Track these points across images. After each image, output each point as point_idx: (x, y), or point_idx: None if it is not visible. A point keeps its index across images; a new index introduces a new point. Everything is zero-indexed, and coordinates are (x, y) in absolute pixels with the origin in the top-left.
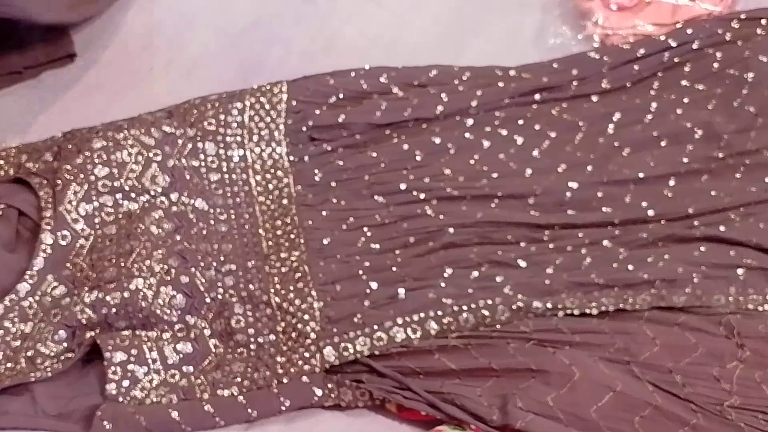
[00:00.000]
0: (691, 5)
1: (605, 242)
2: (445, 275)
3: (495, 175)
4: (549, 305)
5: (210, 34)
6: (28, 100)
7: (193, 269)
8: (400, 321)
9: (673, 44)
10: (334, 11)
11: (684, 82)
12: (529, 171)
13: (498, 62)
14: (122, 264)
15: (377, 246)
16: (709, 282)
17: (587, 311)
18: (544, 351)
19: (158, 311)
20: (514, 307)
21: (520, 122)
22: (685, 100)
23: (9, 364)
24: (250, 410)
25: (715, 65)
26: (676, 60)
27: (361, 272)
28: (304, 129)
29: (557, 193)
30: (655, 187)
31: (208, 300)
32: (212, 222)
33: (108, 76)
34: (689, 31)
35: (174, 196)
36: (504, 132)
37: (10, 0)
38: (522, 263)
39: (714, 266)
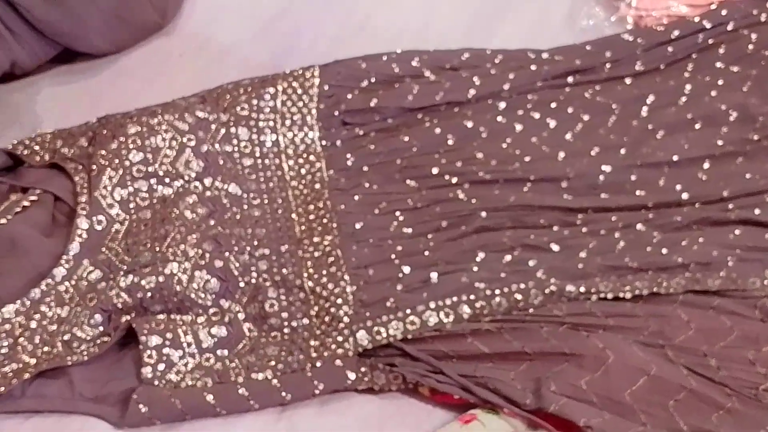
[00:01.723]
0: None
1: (639, 226)
2: (478, 259)
3: (527, 158)
4: (582, 289)
5: (241, 20)
6: (62, 86)
7: (227, 254)
8: (432, 305)
9: (708, 26)
10: None
11: (718, 64)
12: (562, 154)
13: (529, 45)
14: (157, 248)
15: (410, 230)
16: (744, 265)
17: (621, 295)
18: (578, 335)
19: (193, 295)
20: (547, 291)
21: (553, 105)
22: (720, 82)
23: (46, 348)
24: (284, 393)
25: (750, 46)
26: (710, 41)
27: (393, 256)
28: (337, 113)
29: (590, 176)
30: (689, 170)
31: (242, 284)
32: (246, 207)
33: (139, 62)
34: (723, 12)
35: (208, 181)
36: (536, 115)
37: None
38: (555, 247)
39: (749, 249)
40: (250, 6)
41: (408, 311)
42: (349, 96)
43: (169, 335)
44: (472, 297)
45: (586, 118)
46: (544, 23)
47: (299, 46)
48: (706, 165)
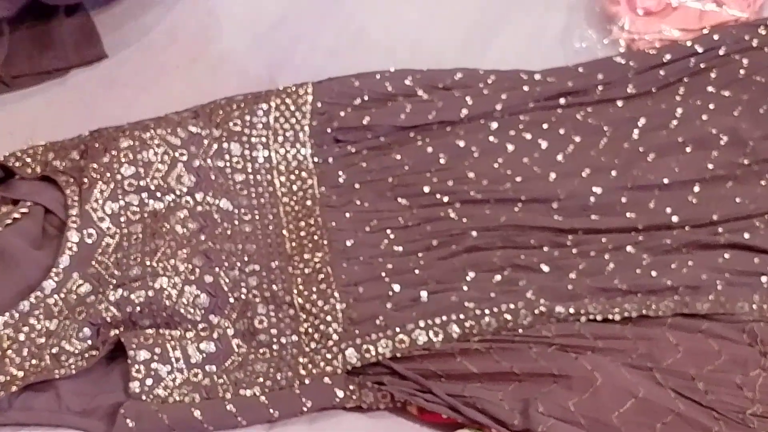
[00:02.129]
0: (718, 11)
1: (629, 248)
2: (468, 279)
3: (519, 178)
4: (572, 310)
5: (236, 32)
6: (55, 98)
7: (217, 269)
8: (422, 324)
9: (700, 50)
10: (359, 9)
11: (710, 88)
12: (553, 175)
13: (523, 63)
14: (147, 263)
15: (400, 248)
16: (732, 289)
17: (610, 317)
18: (567, 356)
19: (182, 310)
20: (536, 311)
21: (545, 126)
22: (711, 106)
23: (34, 361)
24: (272, 410)
25: (742, 71)
26: (702, 66)
27: (383, 274)
28: (329, 130)
29: (581, 197)
30: (679, 193)
31: (231, 300)
32: (237, 222)
33: (134, 74)
34: (716, 36)
35: (199, 196)
36: (528, 136)
37: None
38: (545, 268)
39: (738, 273)
40: (245, 18)
41: (397, 329)
42: (342, 113)
43: (157, 350)
44: (461, 316)
45: (577, 139)
46: (537, 44)
47: (294, 58)
48: (696, 188)
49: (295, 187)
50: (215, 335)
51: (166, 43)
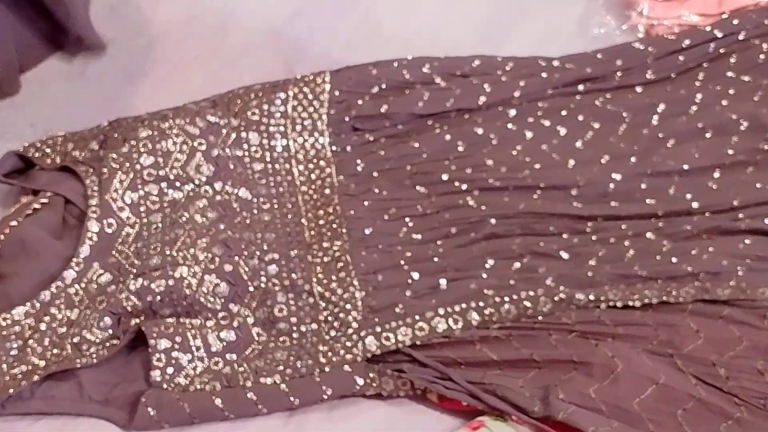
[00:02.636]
0: None
1: (649, 234)
2: (487, 266)
3: (537, 166)
4: (591, 297)
5: (254, 23)
6: (74, 89)
7: (236, 258)
8: (441, 311)
9: (719, 35)
10: (376, 1)
11: (729, 73)
12: (572, 162)
13: (541, 51)
14: (167, 252)
15: (419, 236)
16: (753, 275)
17: (630, 303)
18: (587, 343)
19: (202, 299)
20: (556, 298)
21: (564, 113)
22: (731, 92)
23: (55, 350)
24: (292, 398)
25: (761, 56)
26: (721, 51)
27: (402, 262)
28: (347, 119)
29: (600, 184)
30: (699, 179)
31: (251, 288)
32: (256, 211)
33: (152, 65)
34: (735, 21)
35: (218, 186)
36: (547, 123)
37: None
38: (564, 255)
39: (759, 259)
40: (263, 10)
41: (417, 317)
42: (360, 102)
43: (178, 339)
44: (481, 304)
45: (596, 126)
46: (555, 31)
47: (311, 50)
48: (716, 174)
49: (313, 176)
50: (235, 324)
51: (184, 35)
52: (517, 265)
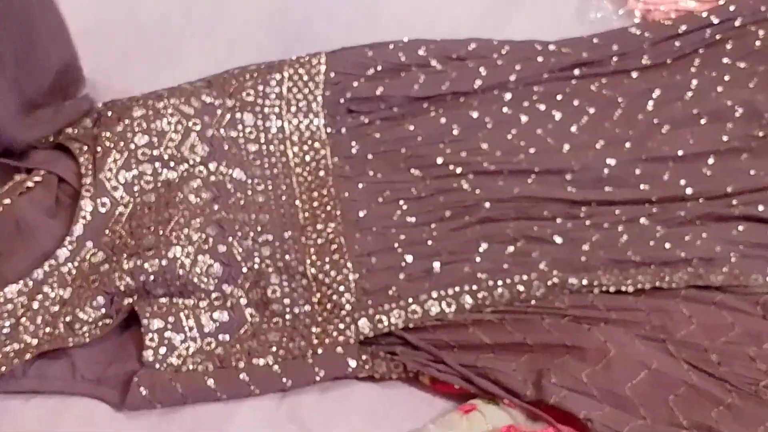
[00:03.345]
0: None
1: (642, 220)
2: (481, 250)
3: (532, 150)
4: (585, 282)
5: (252, 4)
6: None
7: (230, 239)
8: (434, 294)
9: (715, 21)
10: None
11: (725, 60)
12: (566, 147)
13: (539, 36)
14: (161, 232)
15: (413, 219)
16: (746, 261)
17: (623, 288)
18: (580, 327)
19: (195, 279)
20: (549, 283)
21: (559, 97)
22: (726, 78)
23: (48, 329)
24: (284, 379)
25: (758, 43)
26: (717, 37)
27: (396, 245)
28: (342, 101)
29: (595, 169)
30: (693, 165)
31: (244, 269)
32: (250, 192)
33: (149, 46)
34: (732, 8)
35: (212, 166)
36: (542, 107)
37: None
38: (558, 239)
39: (752, 245)
40: None
41: (410, 300)
42: (355, 84)
43: (171, 319)
44: (474, 287)
45: (591, 110)
46: (553, 15)
47: (309, 32)
48: (710, 160)
49: (308, 158)
50: (228, 304)
51: (181, 16)
52: (511, 249)
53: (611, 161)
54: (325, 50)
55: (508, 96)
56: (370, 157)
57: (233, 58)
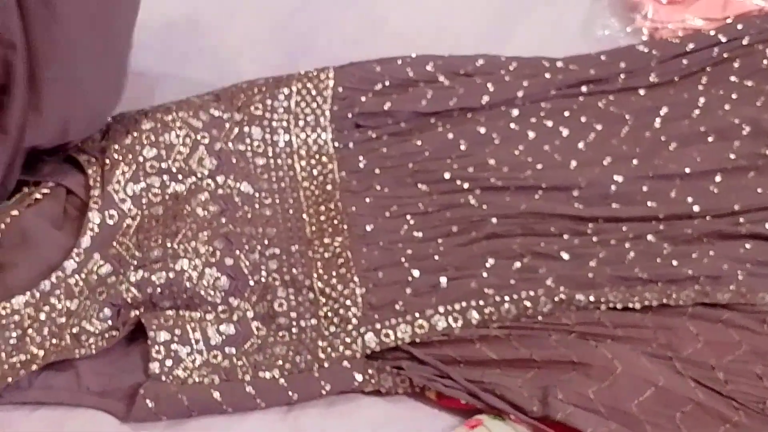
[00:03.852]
0: (741, 0)
1: (649, 237)
2: (488, 265)
3: (539, 166)
4: (592, 298)
5: (258, 17)
6: None
7: (237, 252)
8: (441, 309)
9: (723, 39)
10: None
11: (733, 78)
12: (574, 163)
13: (545, 52)
14: (168, 245)
15: (420, 234)
16: (753, 280)
17: (630, 305)
18: (586, 344)
19: (202, 292)
20: (556, 299)
21: (566, 114)
22: (734, 96)
23: (54, 340)
24: (290, 393)
25: (765, 61)
26: (725, 55)
27: (403, 260)
28: (350, 115)
29: (602, 186)
30: (700, 183)
31: (251, 283)
32: (257, 206)
33: (155, 59)
34: (739, 26)
35: (220, 179)
36: (549, 123)
37: None
38: (565, 255)
39: (759, 264)
40: (266, 4)
41: (417, 315)
42: (363, 99)
43: (177, 331)
44: (481, 303)
45: (599, 127)
46: (559, 31)
47: (315, 46)
48: (717, 178)
49: (315, 172)
50: (235, 317)
51: (188, 29)
52: (518, 264)
53: (618, 178)
54: (330, 63)
55: (515, 112)
56: (377, 171)
57: (239, 71)
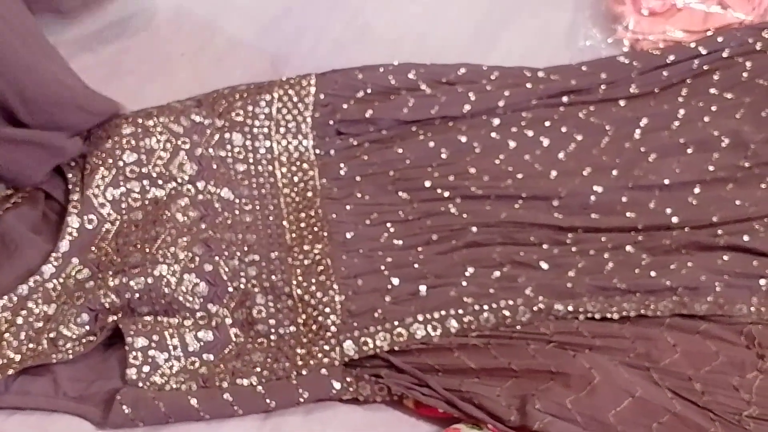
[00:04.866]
0: (722, 13)
1: (628, 247)
2: (467, 274)
3: (520, 175)
4: (570, 308)
5: (241, 21)
6: None
7: (217, 258)
8: (420, 318)
9: (703, 52)
10: (365, 3)
11: (713, 90)
12: (554, 173)
13: (527, 61)
14: (147, 250)
15: (400, 242)
16: (731, 291)
17: (608, 315)
18: (565, 353)
19: (181, 298)
20: (535, 308)
21: (547, 124)
22: (713, 108)
23: (31, 345)
24: (268, 400)
25: (745, 74)
26: (705, 67)
27: (383, 267)
28: (331, 122)
29: (582, 196)
30: (679, 194)
31: (230, 289)
32: (237, 212)
33: (138, 61)
34: (720, 39)
35: (200, 185)
36: (530, 133)
37: None
38: (544, 265)
39: (737, 275)
40: (251, 8)
41: (395, 323)
42: (345, 106)
43: (155, 337)
44: (460, 311)
45: (579, 138)
46: (542, 41)
47: (299, 50)
48: (696, 189)
49: (296, 179)
50: (213, 324)
51: (171, 32)
52: (497, 274)
53: (598, 188)
54: (314, 68)
55: (496, 121)
56: (358, 179)
57: (222, 75)
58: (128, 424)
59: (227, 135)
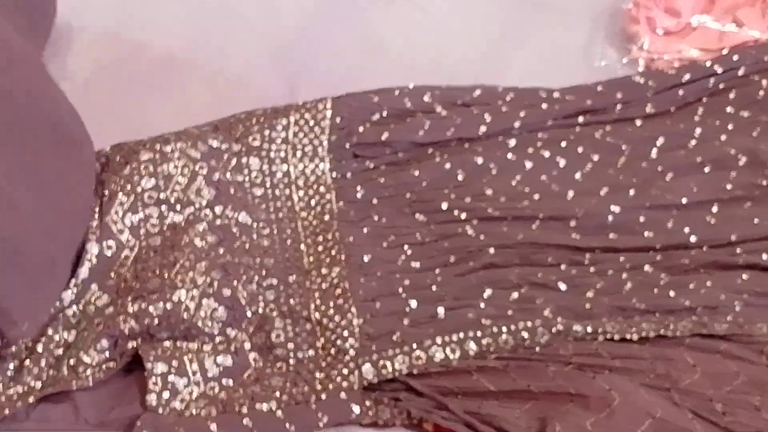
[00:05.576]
0: (737, 32)
1: (646, 267)
2: (485, 296)
3: (537, 196)
4: (589, 329)
5: (256, 46)
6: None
7: (235, 282)
8: (439, 340)
9: (719, 70)
10: (382, 23)
11: (729, 109)
12: (571, 193)
13: (542, 81)
14: (166, 275)
15: (417, 264)
16: (751, 310)
17: (627, 336)
18: (584, 375)
19: (200, 323)
20: (553, 330)
21: (563, 144)
22: (730, 127)
23: (51, 372)
24: (288, 425)
25: (761, 92)
26: (721, 86)
27: (400, 290)
28: (348, 146)
29: (599, 216)
30: (697, 213)
31: (249, 314)
32: (255, 236)
33: (156, 86)
34: (735, 57)
35: (218, 210)
36: (546, 153)
37: None
38: (562, 286)
39: (756, 294)
40: (266, 32)
41: (414, 346)
42: (361, 129)
43: (174, 363)
44: (478, 333)
45: (595, 158)
46: (557, 62)
47: (314, 72)
48: (714, 208)
49: (313, 202)
50: (232, 348)
51: (187, 56)
52: (515, 295)
53: (615, 208)
54: (328, 91)
55: (512, 142)
56: (374, 201)
57: (239, 97)
58: None
59: (244, 159)
